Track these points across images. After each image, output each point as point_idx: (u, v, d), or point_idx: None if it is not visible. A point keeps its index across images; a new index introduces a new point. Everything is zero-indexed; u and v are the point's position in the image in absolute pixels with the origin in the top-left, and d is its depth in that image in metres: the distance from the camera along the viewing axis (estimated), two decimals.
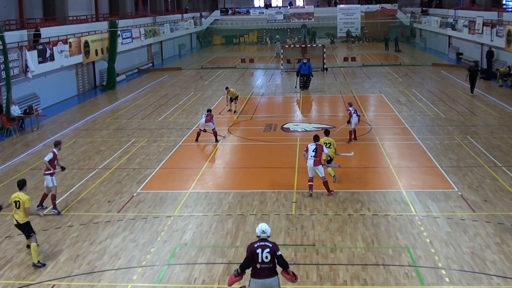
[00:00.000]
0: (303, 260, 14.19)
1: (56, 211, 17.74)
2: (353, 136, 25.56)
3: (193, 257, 14.51)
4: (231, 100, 32.36)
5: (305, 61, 41.16)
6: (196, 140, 26.27)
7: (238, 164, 23.19)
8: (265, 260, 10.73)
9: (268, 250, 10.77)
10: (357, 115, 25.30)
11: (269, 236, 11.06)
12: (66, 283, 13.28)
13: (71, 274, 13.65)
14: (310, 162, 18.55)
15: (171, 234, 16.02)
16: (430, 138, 25.90)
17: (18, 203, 14.14)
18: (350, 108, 25.44)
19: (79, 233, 16.21)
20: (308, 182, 18.87)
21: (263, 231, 11.02)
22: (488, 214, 16.87)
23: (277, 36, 77.78)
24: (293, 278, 11.13)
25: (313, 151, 18.54)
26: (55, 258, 14.54)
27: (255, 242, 10.94)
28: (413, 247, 14.74)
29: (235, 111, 32.52)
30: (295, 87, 41.40)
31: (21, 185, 14.62)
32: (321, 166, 18.64)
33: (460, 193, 18.63)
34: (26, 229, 14.32)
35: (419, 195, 18.56)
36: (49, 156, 17.75)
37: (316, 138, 19.17)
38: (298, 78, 41.27)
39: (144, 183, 20.58)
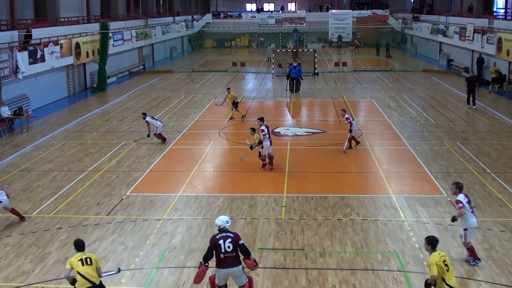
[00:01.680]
0: (292, 264, 14.20)
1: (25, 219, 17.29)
2: (355, 142, 25.35)
3: (182, 261, 14.50)
4: (233, 104, 32.14)
5: (295, 64, 41.40)
6: (164, 140, 26.62)
7: (228, 167, 23.15)
8: (228, 250, 11.30)
9: (230, 240, 11.35)
10: (353, 119, 25.02)
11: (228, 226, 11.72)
12: (54, 286, 13.24)
13: (59, 277, 13.57)
14: (267, 142, 21.86)
15: (160, 237, 15.99)
16: (420, 144, 25.97)
17: (89, 259, 11.52)
18: (348, 116, 24.92)
19: (67, 235, 16.15)
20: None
21: (226, 221, 11.68)
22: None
23: (261, 39, 78.44)
24: (254, 264, 11.53)
25: (267, 132, 21.92)
26: (43, 261, 14.48)
27: (217, 234, 11.51)
28: (402, 252, 14.78)
29: (243, 116, 32.45)
30: (286, 90, 41.58)
31: (82, 246, 11.87)
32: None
33: (449, 199, 18.66)
34: None
35: (409, 201, 18.61)
36: None
37: (262, 119, 22.81)
38: (288, 81, 41.53)
39: (133, 186, 20.54)
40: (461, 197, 13.97)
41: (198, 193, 19.83)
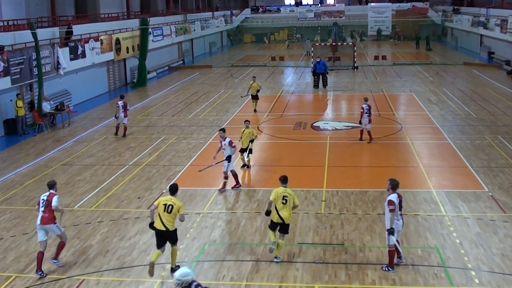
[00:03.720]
0: (331, 259, 14.15)
1: (57, 263, 14.11)
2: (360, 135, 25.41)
3: (222, 254, 14.57)
4: (252, 96, 32.21)
5: (318, 60, 41.00)
6: (122, 134, 27.36)
7: (268, 162, 23.15)
8: None
9: None
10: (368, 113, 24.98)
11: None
12: (95, 278, 13.41)
13: (100, 269, 13.79)
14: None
15: (200, 231, 16.09)
16: (461, 137, 25.64)
17: (171, 207, 13.06)
18: (365, 106, 24.92)
19: (109, 228, 16.37)
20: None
21: (192, 272, 8.87)
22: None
23: (298, 35, 78.96)
24: None
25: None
26: (85, 253, 14.70)
27: None
28: (443, 247, 14.63)
29: (255, 110, 32.44)
30: (314, 87, 41.26)
31: (175, 190, 13.52)
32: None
33: (490, 194, 18.42)
34: (175, 236, 13.38)
35: (449, 195, 18.39)
36: (57, 200, 13.78)
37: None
38: (314, 78, 41.47)
39: (173, 180, 20.66)
40: (393, 197, 13.27)
41: None
